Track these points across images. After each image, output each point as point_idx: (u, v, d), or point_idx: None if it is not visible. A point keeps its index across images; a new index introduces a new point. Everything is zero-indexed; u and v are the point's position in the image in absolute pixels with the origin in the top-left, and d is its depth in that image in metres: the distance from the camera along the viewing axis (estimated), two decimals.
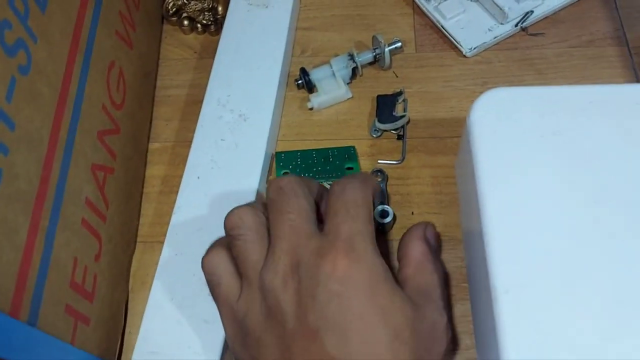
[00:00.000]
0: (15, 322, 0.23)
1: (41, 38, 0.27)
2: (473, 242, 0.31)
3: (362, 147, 0.39)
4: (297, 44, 0.44)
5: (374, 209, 0.30)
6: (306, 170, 0.38)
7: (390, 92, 0.41)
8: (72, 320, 0.28)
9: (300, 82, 0.42)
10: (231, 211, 0.29)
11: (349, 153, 0.38)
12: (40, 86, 0.27)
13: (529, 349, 0.24)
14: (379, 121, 0.39)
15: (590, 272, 0.26)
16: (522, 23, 0.42)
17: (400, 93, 0.41)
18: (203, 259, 0.29)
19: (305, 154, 0.39)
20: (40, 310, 0.25)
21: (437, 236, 0.32)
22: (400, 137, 0.39)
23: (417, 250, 0.30)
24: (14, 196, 0.24)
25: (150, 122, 0.42)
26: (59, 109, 0.28)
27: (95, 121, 0.32)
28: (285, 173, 0.38)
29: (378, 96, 0.40)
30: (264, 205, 0.29)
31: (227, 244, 0.29)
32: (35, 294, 0.25)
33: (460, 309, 0.33)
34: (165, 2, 0.45)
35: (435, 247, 0.31)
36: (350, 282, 0.25)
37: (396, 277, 0.27)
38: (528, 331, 0.25)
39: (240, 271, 0.28)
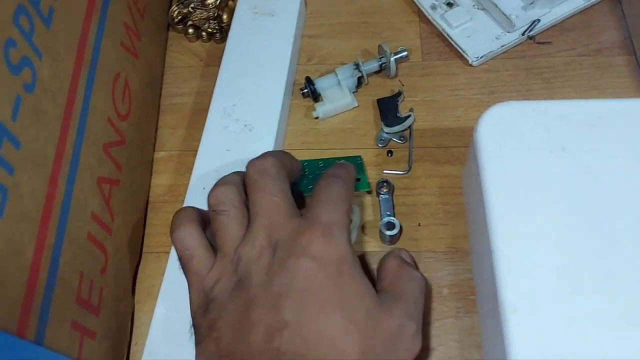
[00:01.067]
0: (22, 342, 0.23)
1: (46, 54, 0.27)
2: (480, 257, 0.31)
3: (368, 157, 0.39)
4: (303, 51, 0.44)
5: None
6: (313, 180, 0.37)
7: (389, 95, 0.40)
8: (79, 336, 0.28)
9: (305, 90, 0.41)
10: (216, 187, 0.30)
11: (357, 163, 0.38)
12: (45, 103, 0.27)
13: None
14: (386, 125, 0.39)
15: (599, 289, 0.26)
16: (529, 31, 0.41)
17: (399, 93, 0.40)
18: (173, 233, 0.30)
19: (312, 164, 0.38)
20: (47, 328, 0.25)
21: (412, 258, 0.33)
22: (403, 139, 0.39)
23: (392, 263, 0.31)
24: (19, 216, 0.24)
25: (156, 131, 0.42)
26: (64, 125, 0.28)
27: (100, 134, 0.32)
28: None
29: (378, 100, 0.40)
30: (244, 183, 0.30)
31: (197, 219, 0.30)
32: (41, 312, 0.25)
33: (468, 322, 0.33)
34: (171, 10, 0.45)
35: (412, 264, 0.32)
36: (320, 259, 0.26)
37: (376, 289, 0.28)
38: (537, 350, 0.25)
39: (216, 245, 0.29)
